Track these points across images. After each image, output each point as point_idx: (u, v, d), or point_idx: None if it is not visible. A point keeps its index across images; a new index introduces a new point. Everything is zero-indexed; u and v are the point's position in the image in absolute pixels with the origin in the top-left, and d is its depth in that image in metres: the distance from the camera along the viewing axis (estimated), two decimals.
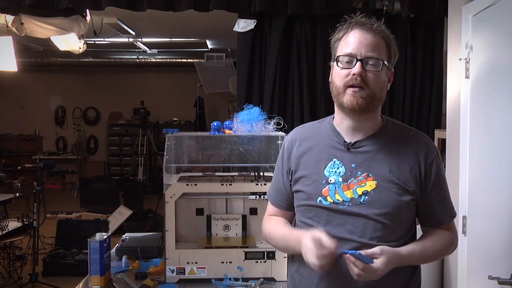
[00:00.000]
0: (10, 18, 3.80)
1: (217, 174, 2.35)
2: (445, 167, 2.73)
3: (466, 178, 2.40)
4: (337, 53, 1.40)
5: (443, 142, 2.95)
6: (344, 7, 3.16)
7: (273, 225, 1.57)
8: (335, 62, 1.40)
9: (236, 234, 2.16)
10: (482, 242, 2.22)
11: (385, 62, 1.37)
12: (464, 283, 2.42)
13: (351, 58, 1.35)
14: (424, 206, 1.43)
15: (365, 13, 1.42)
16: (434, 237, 1.44)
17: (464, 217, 2.37)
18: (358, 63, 1.34)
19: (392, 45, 1.40)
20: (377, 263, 1.28)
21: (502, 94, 2.04)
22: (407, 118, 3.53)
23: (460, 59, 2.45)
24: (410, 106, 3.54)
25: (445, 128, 2.78)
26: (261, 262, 2.08)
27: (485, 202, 2.21)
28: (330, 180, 1.40)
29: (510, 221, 1.94)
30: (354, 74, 1.33)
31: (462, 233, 2.37)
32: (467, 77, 2.40)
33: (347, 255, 1.28)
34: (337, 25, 1.43)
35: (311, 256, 1.29)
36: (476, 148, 2.32)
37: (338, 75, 1.38)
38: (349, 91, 1.35)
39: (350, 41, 1.36)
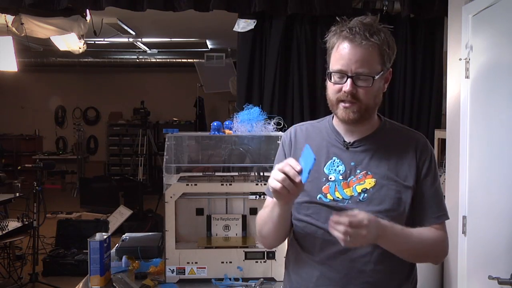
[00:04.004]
0: (10, 18, 3.81)
1: (217, 174, 2.35)
2: (445, 167, 2.73)
3: (466, 178, 2.39)
4: (329, 65, 1.40)
5: (443, 142, 2.95)
6: (344, 7, 3.16)
7: (261, 211, 1.52)
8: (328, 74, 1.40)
9: (236, 234, 2.17)
10: (482, 242, 2.22)
11: (376, 77, 1.34)
12: (464, 283, 2.42)
13: (342, 74, 1.35)
14: (416, 203, 1.42)
15: (363, 14, 1.42)
16: (422, 228, 1.41)
17: (464, 217, 2.37)
18: (349, 80, 1.33)
19: (387, 48, 1.36)
20: (360, 214, 1.23)
21: (502, 94, 2.04)
22: (407, 118, 3.53)
23: (460, 59, 2.45)
24: (410, 106, 3.54)
25: (445, 128, 2.78)
26: (261, 262, 2.08)
27: (485, 202, 2.21)
28: (330, 178, 1.42)
29: (510, 221, 1.94)
30: (345, 92, 1.34)
31: (462, 233, 2.37)
32: (467, 77, 2.40)
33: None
34: (331, 27, 1.40)
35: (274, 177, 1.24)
36: (476, 148, 2.32)
37: (331, 88, 1.39)
38: (341, 106, 1.37)
39: (340, 56, 1.35)
